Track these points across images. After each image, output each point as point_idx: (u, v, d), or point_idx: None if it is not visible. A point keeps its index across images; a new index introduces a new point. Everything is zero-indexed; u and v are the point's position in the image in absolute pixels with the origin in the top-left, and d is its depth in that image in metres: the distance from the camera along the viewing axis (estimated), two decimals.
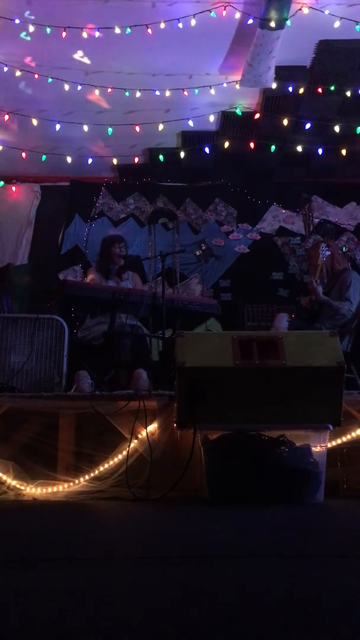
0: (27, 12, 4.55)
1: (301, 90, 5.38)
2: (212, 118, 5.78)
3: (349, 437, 2.86)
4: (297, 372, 2.49)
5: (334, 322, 4.13)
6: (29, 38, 4.73)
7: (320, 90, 5.38)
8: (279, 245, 6.92)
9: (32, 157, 6.21)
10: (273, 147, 6.17)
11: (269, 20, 4.34)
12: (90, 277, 4.76)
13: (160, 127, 5.73)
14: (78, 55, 5.04)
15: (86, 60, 5.09)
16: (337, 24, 4.55)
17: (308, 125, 5.81)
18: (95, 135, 5.90)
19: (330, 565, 1.35)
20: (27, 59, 5.04)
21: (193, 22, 4.53)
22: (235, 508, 2.34)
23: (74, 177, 6.94)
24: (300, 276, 6.75)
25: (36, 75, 5.11)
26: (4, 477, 2.83)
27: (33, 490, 2.81)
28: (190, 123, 5.81)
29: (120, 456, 2.83)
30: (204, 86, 5.32)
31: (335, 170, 6.75)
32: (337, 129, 5.80)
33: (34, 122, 5.65)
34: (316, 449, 2.54)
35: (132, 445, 2.81)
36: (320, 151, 6.15)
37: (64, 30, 4.59)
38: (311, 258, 4.61)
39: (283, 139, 6.09)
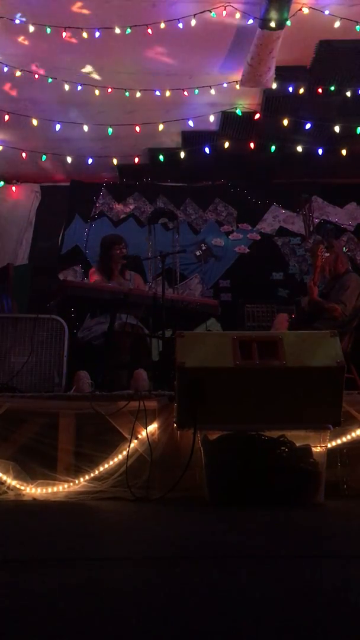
0: (27, 12, 4.55)
1: (301, 91, 5.39)
2: (212, 118, 5.78)
3: (349, 437, 2.85)
4: (297, 372, 2.48)
5: (333, 322, 4.13)
6: (28, 39, 4.74)
7: (320, 90, 5.38)
8: (279, 246, 6.92)
9: (32, 157, 6.21)
10: (273, 147, 6.17)
11: (269, 21, 4.34)
12: (93, 277, 4.75)
13: (161, 127, 5.73)
14: (78, 55, 5.04)
15: (86, 61, 5.10)
16: (337, 24, 4.56)
17: (308, 126, 5.81)
18: (95, 135, 5.91)
19: (330, 565, 1.35)
20: (27, 59, 5.04)
21: (193, 22, 4.53)
22: (234, 508, 2.34)
23: (74, 177, 6.94)
24: (300, 276, 6.76)
25: (36, 75, 5.12)
26: (4, 477, 2.83)
27: (33, 491, 2.81)
28: (191, 123, 5.81)
29: (120, 456, 2.83)
30: (204, 86, 5.32)
31: (336, 170, 6.75)
32: (337, 129, 5.80)
33: (34, 122, 5.66)
34: (316, 449, 2.54)
35: (132, 445, 2.81)
36: (320, 151, 6.15)
37: (64, 30, 4.59)
38: (313, 255, 4.60)
39: (283, 139, 6.09)
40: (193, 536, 1.80)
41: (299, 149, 6.11)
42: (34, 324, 3.93)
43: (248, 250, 6.87)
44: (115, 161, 6.45)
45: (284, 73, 5.19)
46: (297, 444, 2.53)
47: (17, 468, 2.84)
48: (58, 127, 5.70)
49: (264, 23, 4.38)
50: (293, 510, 2.31)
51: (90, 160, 6.28)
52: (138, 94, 5.33)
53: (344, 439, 2.85)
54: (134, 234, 6.71)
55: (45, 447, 2.94)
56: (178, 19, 4.54)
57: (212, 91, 5.36)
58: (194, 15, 4.50)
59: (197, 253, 6.78)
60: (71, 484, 2.83)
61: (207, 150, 6.15)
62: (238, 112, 5.74)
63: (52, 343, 3.94)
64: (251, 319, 6.01)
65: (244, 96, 5.61)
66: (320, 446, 2.54)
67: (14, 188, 7.00)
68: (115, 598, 1.05)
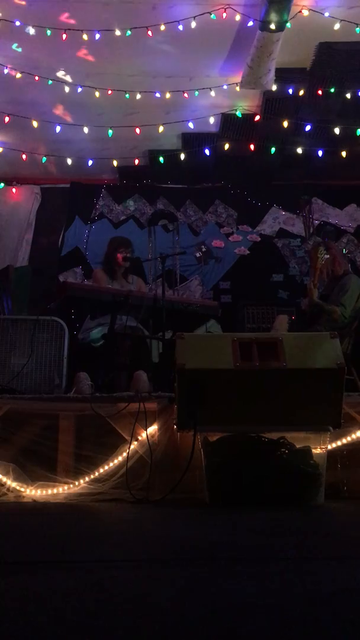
0: (27, 15, 4.55)
1: (301, 92, 5.39)
2: (212, 120, 5.79)
3: (349, 439, 2.86)
4: (297, 374, 2.49)
5: (333, 324, 4.14)
6: (29, 41, 4.74)
7: (320, 92, 5.39)
8: (279, 247, 6.92)
9: (32, 159, 6.21)
10: (273, 149, 6.17)
11: (269, 23, 4.35)
12: (97, 277, 4.75)
13: (161, 129, 5.74)
14: (78, 57, 5.04)
15: (86, 62, 5.10)
16: (336, 26, 4.57)
17: (308, 127, 5.82)
18: (95, 137, 5.91)
19: (330, 566, 1.35)
20: (28, 61, 5.04)
21: (193, 24, 4.53)
22: (235, 510, 2.34)
23: (74, 179, 6.94)
24: (300, 278, 6.76)
25: (37, 77, 5.12)
26: (4, 479, 2.83)
27: (33, 492, 2.81)
28: (191, 125, 5.82)
29: (120, 458, 2.83)
30: (204, 88, 5.33)
31: (335, 172, 6.75)
32: (337, 130, 5.81)
33: (35, 124, 5.66)
34: (316, 450, 2.54)
35: (132, 447, 2.81)
36: (320, 153, 6.16)
37: (64, 32, 4.59)
38: (312, 259, 4.62)
39: (283, 140, 6.10)
40: (193, 538, 1.80)
41: (299, 150, 6.12)
42: (34, 325, 3.93)
43: (248, 252, 6.87)
44: (115, 163, 6.46)
45: (284, 75, 5.20)
46: (297, 446, 2.53)
47: (17, 470, 2.85)
48: (58, 128, 5.71)
49: (263, 25, 4.39)
50: (293, 511, 2.31)
51: (90, 162, 6.28)
52: (138, 96, 5.34)
53: (344, 441, 2.85)
54: (134, 236, 6.71)
55: (45, 449, 2.94)
56: (178, 21, 4.54)
57: (212, 93, 5.36)
58: (194, 17, 4.50)
59: (197, 255, 6.78)
60: (71, 485, 2.84)
61: (207, 152, 6.16)
62: (238, 113, 5.75)
63: (52, 344, 3.94)
64: (251, 320, 6.00)
65: (244, 98, 5.62)
66: (321, 448, 2.55)
67: (14, 189, 7.01)
68: (115, 600, 1.05)
